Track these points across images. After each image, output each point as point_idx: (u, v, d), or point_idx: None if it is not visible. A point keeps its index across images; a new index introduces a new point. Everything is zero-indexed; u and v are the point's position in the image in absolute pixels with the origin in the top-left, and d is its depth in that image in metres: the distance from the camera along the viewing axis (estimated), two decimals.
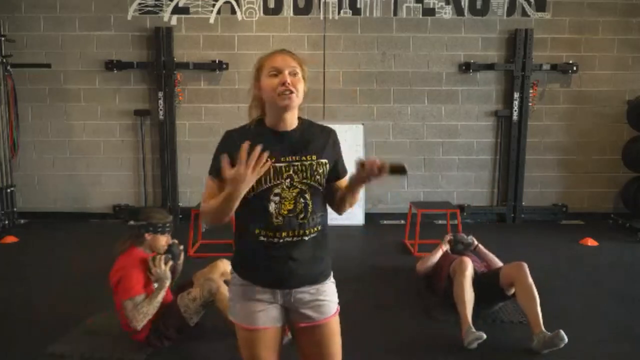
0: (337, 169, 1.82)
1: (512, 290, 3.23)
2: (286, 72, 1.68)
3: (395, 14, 6.03)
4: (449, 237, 3.96)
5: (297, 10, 6.00)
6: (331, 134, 1.83)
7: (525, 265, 3.19)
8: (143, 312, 2.84)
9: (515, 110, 6.08)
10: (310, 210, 1.72)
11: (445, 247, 3.90)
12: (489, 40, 6.08)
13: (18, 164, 6.16)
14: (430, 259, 3.86)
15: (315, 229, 1.75)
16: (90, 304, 3.63)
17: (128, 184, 6.25)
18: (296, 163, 1.70)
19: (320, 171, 1.74)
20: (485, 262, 3.75)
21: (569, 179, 6.32)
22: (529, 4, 6.03)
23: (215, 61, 5.98)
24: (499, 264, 3.69)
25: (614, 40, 6.10)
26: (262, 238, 1.70)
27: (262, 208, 1.67)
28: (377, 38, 6.06)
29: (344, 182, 1.83)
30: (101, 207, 6.25)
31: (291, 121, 1.74)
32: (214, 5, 5.99)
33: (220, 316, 2.98)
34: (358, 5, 6.01)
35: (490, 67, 6.07)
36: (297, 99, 1.69)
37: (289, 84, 1.66)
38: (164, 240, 3.04)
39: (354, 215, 5.93)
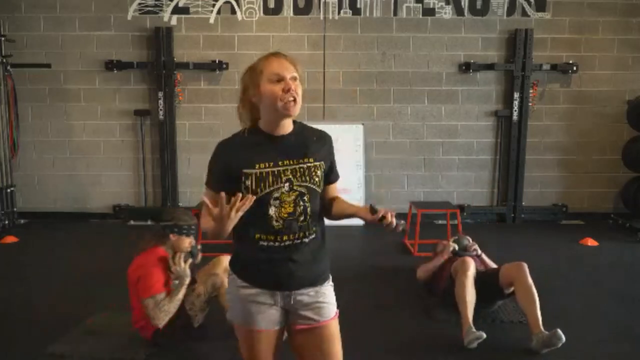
0: (329, 174, 1.82)
1: (511, 289, 3.23)
2: (288, 78, 1.67)
3: (395, 14, 6.03)
4: (452, 247, 3.84)
5: (297, 10, 6.00)
6: (326, 137, 1.84)
7: (525, 266, 3.19)
8: (165, 310, 2.87)
9: (515, 110, 6.08)
10: (309, 212, 1.73)
11: (447, 256, 3.80)
12: (489, 40, 6.08)
13: (18, 164, 6.15)
14: (431, 266, 3.81)
15: (315, 230, 1.76)
16: (90, 304, 3.63)
17: (128, 184, 6.25)
18: (294, 166, 1.71)
19: (319, 173, 1.75)
20: (484, 265, 3.73)
21: (569, 179, 6.32)
22: (529, 4, 6.03)
23: (215, 61, 5.98)
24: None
25: (614, 40, 6.10)
26: (262, 242, 1.70)
27: (262, 213, 1.67)
28: (377, 38, 6.06)
29: (334, 187, 1.86)
30: (101, 207, 6.25)
31: (288, 125, 1.74)
32: (214, 5, 5.99)
33: (223, 313, 2.99)
34: (358, 5, 6.01)
35: (490, 67, 6.07)
36: (298, 106, 1.69)
37: (293, 90, 1.66)
38: (187, 242, 3.06)
39: None
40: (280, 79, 1.66)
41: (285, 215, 1.69)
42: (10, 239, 5.33)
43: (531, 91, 6.07)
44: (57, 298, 3.82)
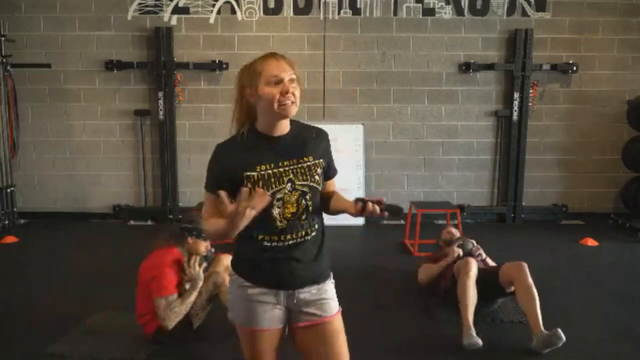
0: (327, 170, 1.83)
1: (512, 288, 3.23)
2: (286, 80, 1.66)
3: (395, 14, 6.03)
4: (456, 253, 3.69)
5: (297, 10, 6.00)
6: (323, 134, 1.84)
7: (525, 266, 3.19)
8: (175, 312, 2.89)
9: (515, 110, 6.08)
10: (311, 210, 1.74)
11: (451, 261, 3.71)
12: (489, 40, 6.08)
13: (18, 164, 6.15)
14: (433, 271, 3.76)
15: (316, 228, 1.77)
16: (90, 304, 3.63)
17: (128, 184, 6.25)
18: (295, 166, 1.72)
19: (319, 171, 1.76)
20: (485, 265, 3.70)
21: (569, 179, 6.32)
22: (529, 4, 6.03)
23: (215, 61, 5.98)
24: None
25: (614, 40, 6.10)
26: (266, 243, 1.71)
27: (265, 214, 1.66)
28: (377, 38, 6.06)
29: (332, 183, 1.88)
30: (101, 207, 6.25)
31: (285, 125, 1.75)
32: (214, 5, 5.99)
33: (223, 312, 2.99)
34: (358, 5, 6.01)
35: (490, 67, 6.07)
36: (296, 107, 1.69)
37: (291, 93, 1.66)
38: (204, 246, 3.07)
39: None
40: (278, 81, 1.66)
41: (289, 215, 1.70)
42: (10, 239, 5.33)
43: (531, 91, 6.07)
44: (57, 298, 3.82)
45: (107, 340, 3.08)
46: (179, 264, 3.01)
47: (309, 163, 1.74)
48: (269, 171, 1.68)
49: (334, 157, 1.90)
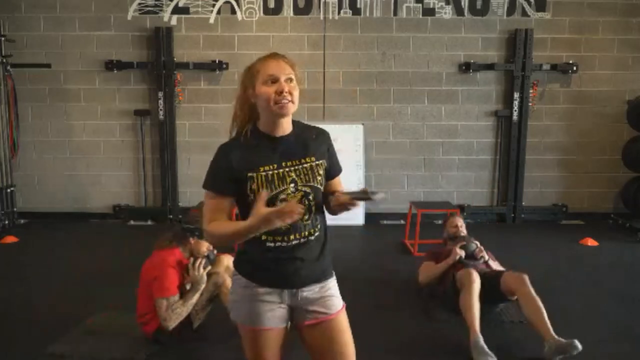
0: (330, 169, 1.83)
1: (514, 297, 3.19)
2: (282, 79, 1.67)
3: (395, 14, 6.03)
4: (458, 255, 3.62)
5: (297, 10, 6.00)
6: (324, 134, 1.85)
7: (526, 277, 3.15)
8: (177, 313, 2.90)
9: (515, 110, 6.08)
10: (314, 210, 1.75)
11: (452, 262, 3.66)
12: (489, 40, 6.08)
13: (18, 164, 6.15)
14: (434, 272, 3.70)
15: (319, 227, 1.78)
16: (90, 304, 3.63)
17: (128, 184, 6.25)
18: (297, 167, 1.72)
19: (321, 172, 1.77)
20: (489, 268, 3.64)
21: (569, 179, 6.32)
22: (529, 4, 6.03)
23: (215, 61, 5.98)
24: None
25: (614, 40, 6.10)
26: (269, 243, 1.71)
27: None
28: (377, 38, 6.06)
29: (336, 182, 1.87)
30: (101, 207, 6.25)
31: (287, 126, 1.75)
32: (214, 5, 5.98)
33: (223, 312, 3.00)
34: (358, 5, 6.01)
35: (490, 67, 6.07)
36: (293, 106, 1.70)
37: (286, 92, 1.66)
38: (205, 246, 3.07)
39: (354, 215, 5.92)
40: (274, 80, 1.67)
41: None
42: (10, 239, 5.33)
43: (531, 91, 6.07)
44: (57, 298, 3.82)
45: (107, 340, 3.08)
46: (181, 265, 3.01)
47: (311, 163, 1.74)
48: (272, 172, 1.69)
49: (336, 153, 1.90)
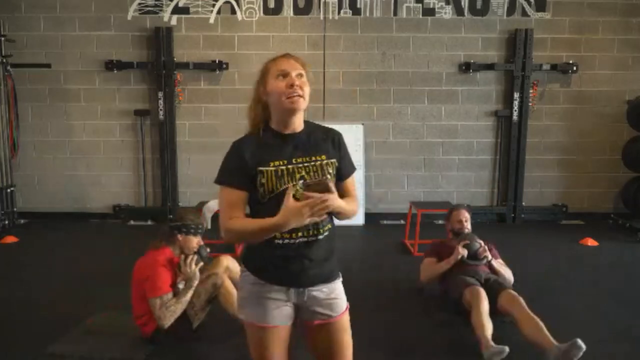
0: (342, 168, 1.84)
1: (509, 318, 3.14)
2: (293, 74, 1.70)
3: (395, 14, 6.03)
4: (460, 255, 3.54)
5: (297, 10, 6.00)
6: (336, 134, 1.87)
7: (519, 298, 3.11)
8: (171, 311, 2.90)
9: (515, 110, 6.08)
10: None
11: (454, 262, 3.60)
12: (489, 40, 6.08)
13: (18, 164, 6.15)
14: (437, 271, 3.65)
15: (328, 228, 1.78)
16: (90, 304, 3.63)
17: (128, 184, 6.25)
18: (307, 164, 1.74)
19: (331, 170, 1.78)
20: (492, 271, 3.58)
21: (569, 179, 6.32)
22: (529, 4, 6.03)
23: (215, 61, 5.98)
24: (508, 273, 3.61)
25: (614, 40, 6.10)
26: (277, 240, 1.71)
27: (277, 210, 1.67)
28: (377, 38, 6.06)
29: (348, 184, 1.86)
30: (101, 207, 6.25)
31: (299, 123, 1.78)
32: (214, 5, 5.98)
33: (223, 312, 3.00)
34: (358, 5, 6.01)
35: (490, 67, 6.07)
36: (304, 101, 1.72)
37: (297, 86, 1.69)
38: (195, 241, 3.07)
39: None
40: (285, 75, 1.70)
41: None
42: (10, 239, 5.33)
43: (531, 91, 6.07)
44: (57, 298, 3.82)
45: (107, 340, 3.08)
46: (172, 263, 3.01)
47: (321, 161, 1.76)
48: (282, 167, 1.70)
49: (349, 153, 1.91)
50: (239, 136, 1.82)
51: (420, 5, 6.01)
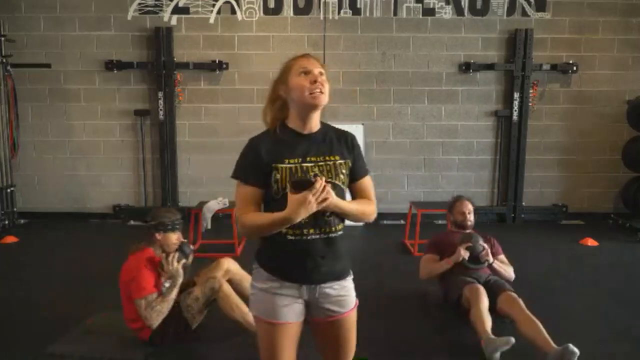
0: (355, 169, 1.87)
1: (508, 320, 3.14)
2: (315, 71, 1.74)
3: (395, 14, 6.03)
4: (461, 257, 3.47)
5: (297, 10, 6.00)
6: (350, 136, 1.89)
7: (519, 300, 3.11)
8: (157, 311, 2.88)
9: (515, 110, 6.08)
10: None
11: (454, 263, 3.54)
12: (489, 40, 6.08)
13: (18, 164, 6.16)
14: (436, 270, 3.62)
15: (341, 226, 1.80)
16: (90, 304, 3.63)
17: (128, 184, 6.25)
18: (321, 162, 1.76)
19: (344, 171, 1.80)
20: (493, 272, 3.56)
21: (569, 179, 6.32)
22: (529, 4, 6.03)
23: (215, 61, 5.98)
24: (509, 272, 3.60)
25: (614, 40, 6.10)
26: (289, 237, 1.72)
27: None
28: (377, 38, 6.06)
29: (362, 186, 1.88)
30: (101, 207, 6.25)
31: (315, 122, 1.81)
32: (214, 5, 5.99)
33: (222, 315, 2.99)
34: (358, 5, 6.01)
35: (490, 67, 6.07)
36: (326, 98, 1.75)
37: (319, 82, 1.72)
38: (174, 237, 3.04)
39: None
40: (307, 72, 1.74)
41: None
42: (10, 239, 5.33)
43: (531, 91, 6.07)
44: (57, 298, 3.82)
45: (107, 340, 3.08)
46: (154, 263, 2.98)
47: (334, 161, 1.78)
48: (296, 165, 1.73)
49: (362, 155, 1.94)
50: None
51: (420, 5, 6.02)
